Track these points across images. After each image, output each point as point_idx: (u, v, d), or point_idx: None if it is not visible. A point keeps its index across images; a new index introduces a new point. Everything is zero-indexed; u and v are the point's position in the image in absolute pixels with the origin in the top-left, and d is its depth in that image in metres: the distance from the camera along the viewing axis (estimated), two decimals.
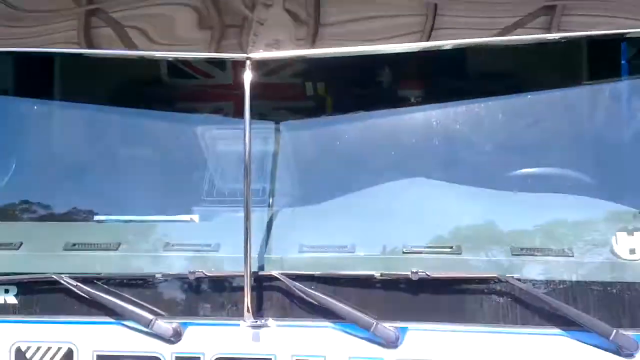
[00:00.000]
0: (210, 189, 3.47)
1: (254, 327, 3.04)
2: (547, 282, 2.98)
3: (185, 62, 3.54)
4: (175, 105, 3.66)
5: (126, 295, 3.14)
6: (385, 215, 3.21)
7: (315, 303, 3.03)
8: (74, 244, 3.27)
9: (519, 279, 2.97)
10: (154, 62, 3.51)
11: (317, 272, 3.06)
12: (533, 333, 2.95)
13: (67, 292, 3.15)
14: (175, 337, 3.09)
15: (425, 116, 3.39)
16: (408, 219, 3.19)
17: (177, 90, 3.69)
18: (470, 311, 2.99)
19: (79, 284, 3.13)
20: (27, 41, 3.42)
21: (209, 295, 3.13)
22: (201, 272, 3.09)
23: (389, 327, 2.98)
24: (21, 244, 3.31)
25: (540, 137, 3.33)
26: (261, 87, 3.15)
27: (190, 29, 3.32)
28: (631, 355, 2.88)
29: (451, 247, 3.07)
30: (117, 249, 3.25)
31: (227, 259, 3.13)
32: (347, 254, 3.11)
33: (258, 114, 3.25)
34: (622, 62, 3.29)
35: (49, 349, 3.16)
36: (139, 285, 3.16)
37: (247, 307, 2.99)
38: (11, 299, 3.22)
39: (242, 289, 3.00)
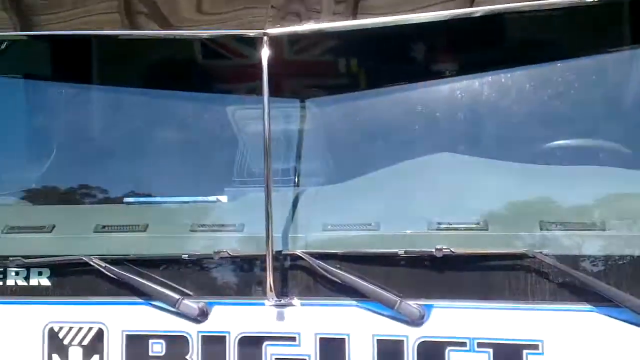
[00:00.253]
0: (240, 169, 3.46)
1: (277, 306, 3.03)
2: (578, 258, 2.88)
3: (216, 41, 3.53)
4: (206, 85, 3.65)
5: (154, 276, 3.16)
6: (410, 192, 3.15)
7: (339, 281, 3.00)
8: (104, 226, 3.32)
9: (548, 255, 2.87)
10: (183, 43, 3.52)
11: (340, 251, 3.02)
12: (563, 309, 2.86)
13: (97, 273, 3.19)
14: (202, 316, 3.10)
15: (451, 89, 3.29)
16: (434, 195, 3.12)
17: (209, 71, 3.69)
18: (497, 288, 2.91)
19: (108, 265, 3.17)
20: (61, 25, 3.47)
21: (233, 274, 3.13)
22: (225, 252, 3.09)
23: (413, 304, 2.94)
24: (54, 226, 3.36)
25: (572, 106, 3.20)
26: (285, 64, 3.12)
27: (210, 6, 3.31)
28: None
29: (478, 223, 2.99)
30: (145, 231, 3.28)
31: (252, 238, 3.11)
32: (372, 231, 3.06)
33: (283, 92, 3.23)
34: None
35: (80, 329, 3.21)
36: (166, 266, 3.17)
37: (270, 286, 2.98)
38: (44, 281, 3.28)
39: (265, 268, 2.99)
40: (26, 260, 3.24)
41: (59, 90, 3.76)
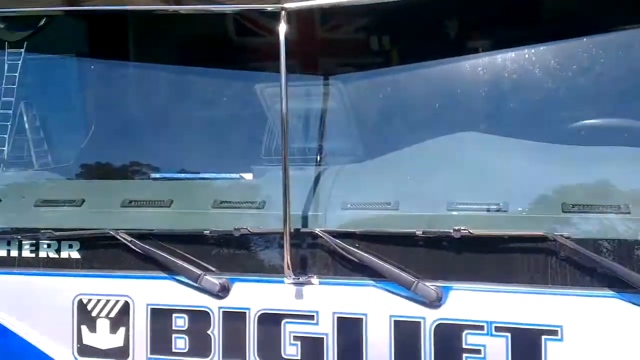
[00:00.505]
0: (268, 147, 3.47)
1: (296, 284, 3.03)
2: (601, 241, 2.80)
3: (246, 17, 3.53)
4: (237, 62, 3.66)
5: (177, 251, 3.21)
6: (431, 171, 3.11)
7: (356, 261, 2.99)
8: (131, 201, 3.37)
9: (569, 238, 2.80)
10: (214, 19, 3.52)
11: (358, 230, 3.01)
12: (583, 295, 2.79)
13: (123, 247, 3.25)
14: (223, 292, 3.13)
15: (475, 67, 3.22)
16: (455, 175, 3.07)
17: (238, 47, 3.70)
18: (516, 271, 2.85)
19: (133, 239, 3.22)
20: (97, 1, 3.51)
21: (254, 251, 3.15)
22: (245, 228, 3.11)
23: (430, 286, 2.91)
24: (83, 201, 3.43)
25: (599, 85, 3.10)
26: (307, 40, 3.09)
27: None
28: None
29: (498, 204, 2.93)
30: (169, 206, 3.32)
31: (272, 216, 3.12)
32: (390, 211, 3.03)
33: (306, 69, 3.20)
34: None
35: (107, 301, 3.28)
36: (189, 242, 3.20)
37: (287, 264, 2.98)
38: (74, 254, 3.35)
39: (283, 246, 2.99)
40: (56, 233, 3.32)
41: (94, 67, 3.83)
